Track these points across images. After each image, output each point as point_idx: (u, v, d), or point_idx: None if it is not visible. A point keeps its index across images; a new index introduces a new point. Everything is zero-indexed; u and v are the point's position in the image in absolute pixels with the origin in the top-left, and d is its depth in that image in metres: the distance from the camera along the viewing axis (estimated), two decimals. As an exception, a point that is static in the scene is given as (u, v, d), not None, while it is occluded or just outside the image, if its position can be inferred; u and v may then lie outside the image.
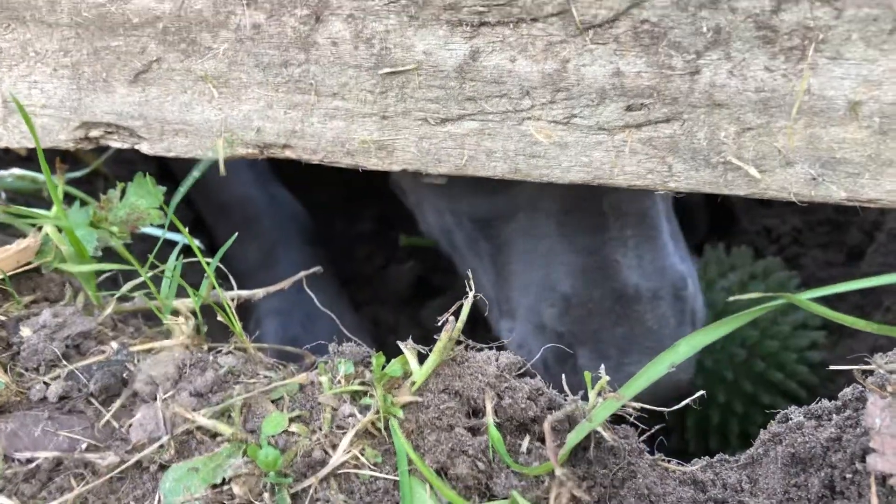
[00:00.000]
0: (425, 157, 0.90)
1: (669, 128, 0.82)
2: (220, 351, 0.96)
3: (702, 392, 0.95)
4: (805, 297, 0.79)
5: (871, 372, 0.89)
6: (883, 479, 0.81)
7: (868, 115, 0.77)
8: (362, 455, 0.82)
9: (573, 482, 0.73)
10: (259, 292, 1.04)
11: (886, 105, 0.76)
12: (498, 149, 0.87)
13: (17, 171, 1.34)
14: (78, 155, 1.69)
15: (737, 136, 0.81)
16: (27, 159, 1.55)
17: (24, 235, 1.22)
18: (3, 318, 0.97)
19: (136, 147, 0.98)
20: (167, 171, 1.84)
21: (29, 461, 0.84)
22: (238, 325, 0.99)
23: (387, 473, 0.81)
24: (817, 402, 0.95)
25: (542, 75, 0.82)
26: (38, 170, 1.35)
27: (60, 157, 1.14)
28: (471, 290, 0.86)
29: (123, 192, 1.08)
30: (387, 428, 0.83)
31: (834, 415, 0.91)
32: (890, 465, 0.78)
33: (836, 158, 0.80)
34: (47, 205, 1.32)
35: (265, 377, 0.91)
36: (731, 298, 0.81)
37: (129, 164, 1.83)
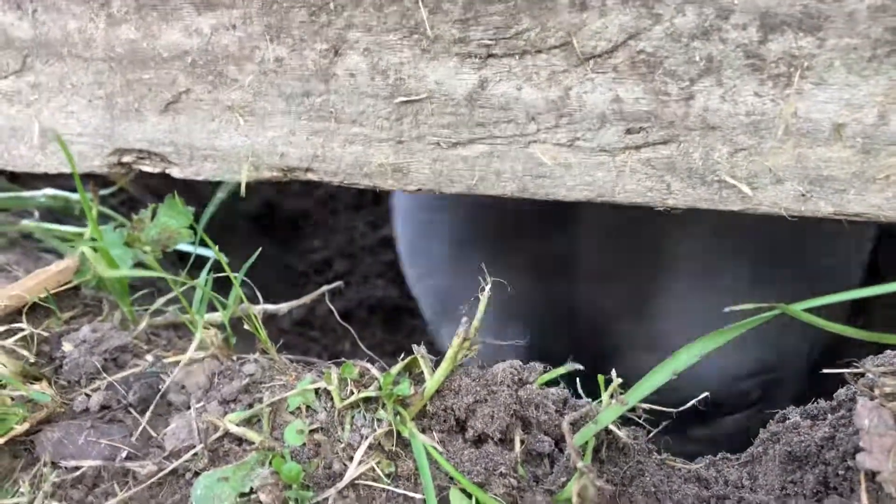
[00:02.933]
0: (438, 178, 0.96)
1: (667, 149, 0.88)
2: (246, 360, 1.03)
3: (706, 393, 1.00)
4: (799, 308, 0.84)
5: (862, 374, 0.94)
6: (872, 476, 0.86)
7: (851, 136, 0.82)
8: (378, 466, 0.87)
9: (594, 474, 0.79)
10: (283, 307, 1.10)
11: (868, 126, 0.81)
12: (507, 170, 0.93)
13: (50, 191, 1.41)
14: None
15: (730, 156, 0.86)
16: (56, 176, 1.62)
17: (56, 251, 1.29)
18: (46, 334, 1.04)
19: (167, 171, 1.05)
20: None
21: (75, 468, 0.91)
22: (264, 333, 1.05)
23: (402, 484, 0.86)
24: (813, 402, 1.01)
25: (546, 102, 0.88)
26: (66, 187, 1.42)
27: (92, 178, 1.21)
28: (487, 284, 0.90)
29: (154, 212, 1.15)
30: (399, 438, 0.88)
31: (829, 414, 0.96)
32: (878, 462, 0.84)
33: (823, 176, 0.85)
34: (77, 221, 1.39)
35: (287, 384, 0.97)
36: (727, 309, 0.86)
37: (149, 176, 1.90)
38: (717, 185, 0.88)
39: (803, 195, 0.86)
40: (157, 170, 1.05)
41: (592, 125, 0.88)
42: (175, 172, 1.03)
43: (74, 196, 1.44)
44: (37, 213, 1.44)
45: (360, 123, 0.95)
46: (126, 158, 1.06)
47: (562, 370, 0.92)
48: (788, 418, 1.00)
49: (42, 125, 1.05)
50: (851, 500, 0.85)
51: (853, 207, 0.86)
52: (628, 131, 0.87)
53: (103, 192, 1.45)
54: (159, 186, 1.79)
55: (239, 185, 1.03)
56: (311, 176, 1.00)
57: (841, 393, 0.99)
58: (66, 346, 1.03)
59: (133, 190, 1.90)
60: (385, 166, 0.96)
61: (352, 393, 0.92)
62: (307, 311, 2.06)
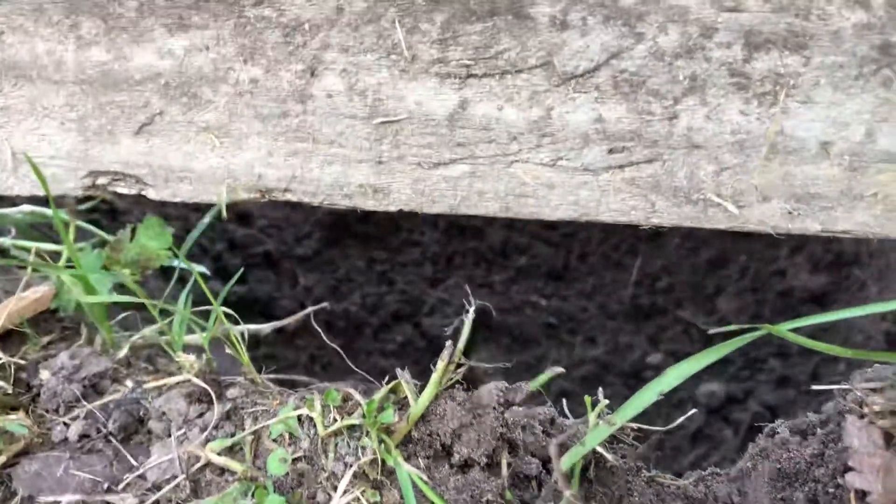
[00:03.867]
0: (420, 198, 0.94)
1: (651, 168, 0.86)
2: (229, 383, 1.01)
3: (695, 410, 1.00)
4: (785, 328, 0.83)
5: (850, 390, 0.93)
6: (863, 495, 0.86)
7: (838, 154, 0.81)
8: (363, 496, 0.85)
9: (581, 503, 0.78)
10: (266, 327, 1.08)
11: (855, 144, 0.80)
12: (489, 190, 0.91)
13: (27, 207, 1.38)
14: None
15: (715, 175, 0.85)
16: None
17: (34, 268, 1.27)
18: (22, 361, 1.02)
19: (143, 193, 1.03)
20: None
21: (54, 503, 0.89)
22: (245, 357, 1.03)
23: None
24: (803, 417, 1.00)
25: (528, 122, 0.87)
26: (45, 203, 1.40)
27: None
28: (470, 306, 0.89)
29: (133, 231, 1.13)
30: (384, 466, 0.87)
31: (818, 429, 0.95)
32: (867, 483, 0.83)
33: (810, 194, 0.84)
34: (57, 236, 1.36)
35: (270, 410, 0.95)
36: (712, 331, 0.85)
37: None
38: (702, 203, 0.87)
39: (790, 213, 0.85)
40: (132, 191, 1.03)
41: (575, 145, 0.86)
42: (151, 194, 1.01)
43: (51, 212, 1.41)
44: (13, 231, 1.41)
45: (338, 144, 0.93)
46: (101, 181, 1.03)
47: (546, 376, 0.91)
48: (777, 433, 0.99)
49: (13, 148, 1.03)
50: (842, 522, 0.84)
51: (841, 225, 0.84)
52: (611, 151, 0.86)
53: (82, 206, 1.42)
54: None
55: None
56: (289, 196, 0.98)
57: (829, 407, 0.98)
58: (44, 374, 1.01)
59: (117, 202, 1.88)
60: (365, 187, 0.94)
61: (335, 420, 0.91)
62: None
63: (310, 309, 1.10)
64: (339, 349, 1.04)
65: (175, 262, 1.11)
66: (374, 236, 2.27)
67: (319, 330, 1.05)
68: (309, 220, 2.25)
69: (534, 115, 0.86)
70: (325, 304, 1.10)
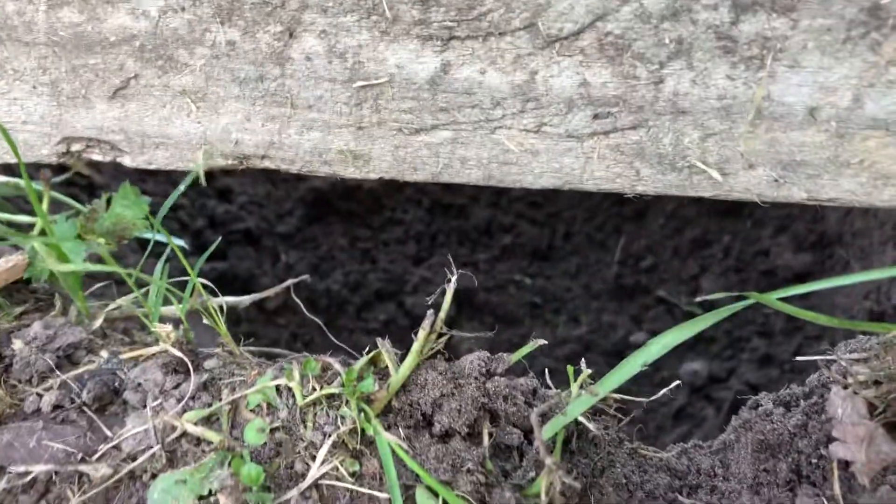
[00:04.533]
0: (401, 165, 0.92)
1: (636, 134, 0.85)
2: (206, 355, 0.99)
3: (678, 382, 0.99)
4: (773, 297, 0.83)
5: (834, 361, 0.93)
6: (846, 465, 0.85)
7: (825, 120, 0.80)
8: (342, 465, 0.84)
9: (563, 470, 0.77)
10: (245, 299, 1.06)
11: (842, 110, 0.79)
12: (472, 157, 0.90)
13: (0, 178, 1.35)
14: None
15: (700, 142, 0.84)
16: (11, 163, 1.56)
17: (6, 240, 1.24)
18: (-4, 329, 1.00)
19: (119, 160, 1.00)
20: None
21: (26, 473, 0.87)
22: (223, 327, 1.01)
23: (366, 483, 0.83)
24: (786, 388, 0.99)
25: (511, 86, 0.85)
26: (19, 173, 1.37)
27: (46, 165, 1.15)
28: (453, 275, 0.88)
29: (109, 201, 1.10)
30: (363, 436, 0.85)
31: (801, 400, 0.95)
32: (851, 452, 0.82)
33: (796, 161, 0.83)
34: (33, 211, 1.33)
35: (248, 381, 0.94)
36: (699, 298, 0.84)
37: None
38: (687, 171, 0.85)
39: (776, 181, 0.84)
40: (107, 158, 1.00)
41: (559, 110, 0.85)
42: (126, 161, 0.98)
43: (21, 185, 1.38)
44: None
45: (317, 109, 0.91)
46: (75, 147, 1.01)
47: (528, 348, 0.89)
48: (761, 405, 0.98)
49: (-16, 112, 1.00)
50: (824, 488, 0.84)
51: (827, 193, 0.83)
52: (596, 116, 0.84)
53: (58, 178, 1.39)
54: (127, 172, 1.73)
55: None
56: (267, 164, 0.97)
57: (813, 379, 0.97)
58: (17, 344, 0.99)
59: (95, 176, 1.85)
60: (345, 153, 0.92)
61: (314, 389, 0.89)
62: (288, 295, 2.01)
63: (290, 281, 1.08)
64: (320, 323, 1.02)
65: (151, 234, 1.09)
66: (356, 214, 2.25)
67: (300, 304, 1.03)
68: (291, 197, 2.22)
69: (518, 79, 0.84)
70: (305, 277, 1.08)
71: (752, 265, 2.12)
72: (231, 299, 1.07)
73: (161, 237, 1.05)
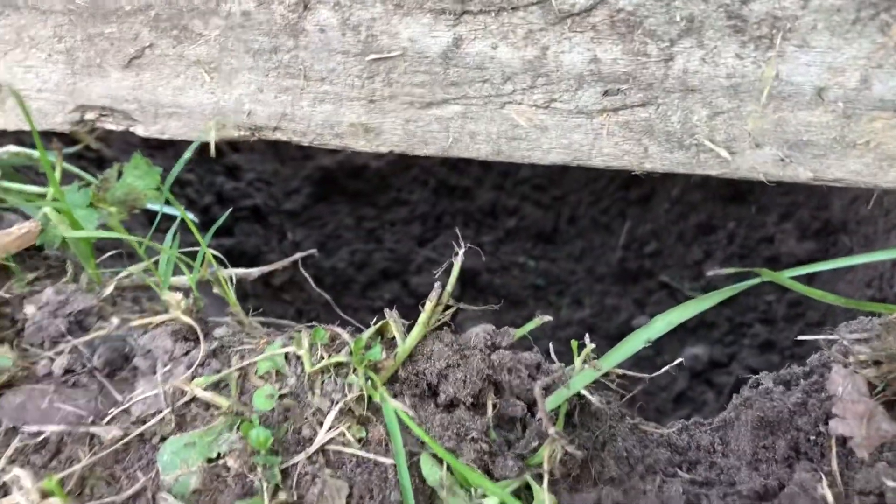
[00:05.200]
0: (412, 139, 0.93)
1: (645, 111, 0.86)
2: (216, 324, 1.01)
3: (680, 360, 1.00)
4: (784, 276, 0.84)
5: (835, 341, 0.94)
6: (843, 442, 0.87)
7: (833, 100, 0.81)
8: (348, 431, 0.86)
9: (565, 440, 0.78)
10: (254, 271, 1.08)
11: (850, 90, 0.80)
12: (481, 131, 0.91)
13: (12, 148, 1.36)
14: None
15: (709, 120, 0.84)
16: (19, 132, 1.57)
17: (19, 212, 1.26)
18: (7, 296, 1.01)
19: (132, 129, 1.01)
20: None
21: (38, 433, 0.89)
22: (233, 297, 1.03)
23: (372, 449, 0.85)
24: (787, 368, 1.01)
25: (522, 62, 0.86)
26: (30, 144, 1.38)
27: (56, 136, 1.16)
28: (460, 248, 0.89)
29: (120, 172, 1.12)
30: (370, 403, 0.87)
31: (801, 380, 0.96)
32: (850, 428, 0.84)
33: (803, 141, 0.83)
34: (45, 179, 1.35)
35: (257, 349, 0.95)
36: (711, 273, 0.85)
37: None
38: (695, 149, 0.86)
39: (782, 160, 0.85)
40: (120, 127, 1.01)
41: (570, 86, 0.86)
42: (139, 130, 0.99)
43: (37, 154, 1.40)
44: None
45: (330, 81, 0.92)
46: (89, 116, 1.02)
47: (533, 324, 0.91)
48: (761, 384, 0.99)
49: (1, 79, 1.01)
50: (822, 464, 0.85)
51: (833, 173, 0.84)
52: (606, 93, 0.85)
53: (69, 150, 1.40)
54: (136, 145, 1.74)
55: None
56: (279, 135, 0.98)
57: (814, 359, 0.99)
58: (29, 309, 1.00)
59: (104, 150, 1.86)
60: (357, 126, 0.93)
61: (322, 358, 0.91)
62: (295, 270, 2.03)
63: (298, 255, 1.09)
64: (328, 298, 1.03)
65: (160, 206, 1.10)
66: (363, 193, 2.26)
67: (308, 277, 1.05)
68: (298, 175, 2.23)
69: (529, 54, 0.85)
70: (313, 251, 1.09)
71: (756, 252, 2.13)
72: (240, 271, 1.08)
73: (172, 210, 1.06)
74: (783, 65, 0.80)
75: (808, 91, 0.81)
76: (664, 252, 2.20)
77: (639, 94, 0.85)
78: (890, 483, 0.78)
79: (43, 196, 1.18)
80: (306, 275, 1.15)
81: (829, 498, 0.79)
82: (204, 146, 1.00)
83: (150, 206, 1.11)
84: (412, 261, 2.20)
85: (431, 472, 0.81)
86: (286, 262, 1.19)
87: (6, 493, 0.83)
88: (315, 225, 2.19)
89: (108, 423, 0.90)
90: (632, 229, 2.22)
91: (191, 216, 1.16)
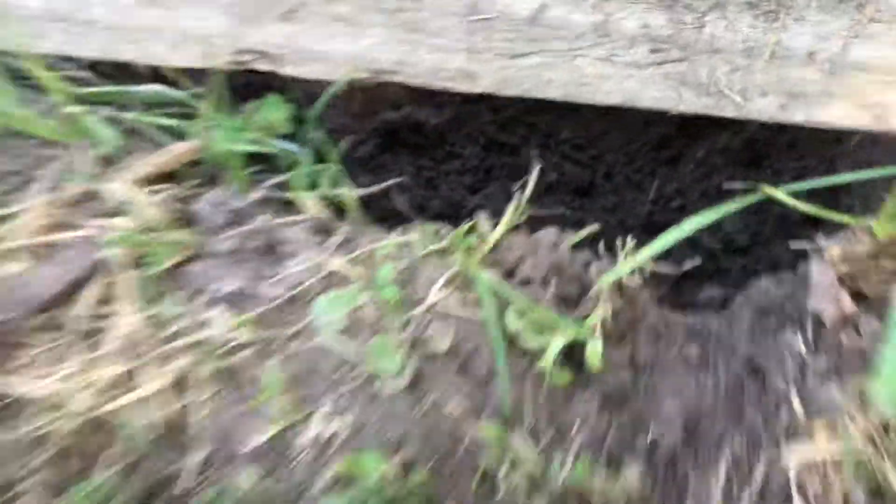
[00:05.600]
0: (500, 83, 1.23)
1: (681, 66, 1.15)
2: (343, 224, 1.31)
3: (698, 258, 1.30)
4: (782, 192, 1.13)
5: (819, 248, 1.23)
6: (818, 320, 1.16)
7: (821, 61, 1.09)
8: (450, 296, 1.16)
9: (612, 299, 1.08)
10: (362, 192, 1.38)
11: (834, 54, 1.08)
12: (556, 78, 1.20)
13: (157, 86, 1.66)
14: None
15: (728, 74, 1.13)
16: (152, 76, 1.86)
17: (157, 141, 1.54)
18: (182, 194, 1.32)
19: (280, 71, 1.31)
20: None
21: (217, 290, 1.19)
22: (353, 205, 1.33)
23: (468, 309, 1.15)
24: (782, 273, 1.30)
25: (590, 24, 1.15)
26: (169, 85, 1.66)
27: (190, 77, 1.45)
28: (537, 163, 1.19)
29: (258, 109, 1.42)
30: (465, 277, 1.17)
31: (792, 279, 1.25)
32: (821, 305, 1.13)
33: (798, 91, 1.12)
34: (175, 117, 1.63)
35: (377, 240, 1.25)
36: (726, 186, 1.15)
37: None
38: (717, 95, 1.15)
39: (782, 106, 1.13)
40: (272, 69, 1.31)
41: (625, 45, 1.15)
42: (289, 70, 1.29)
43: (173, 94, 1.69)
44: (141, 107, 1.68)
45: (441, 36, 1.21)
46: (245, 58, 1.32)
47: (586, 231, 1.21)
48: (761, 284, 1.29)
49: (179, 26, 1.31)
50: (800, 333, 1.14)
51: (820, 117, 1.13)
52: (653, 51, 1.14)
53: (200, 90, 1.70)
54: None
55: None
56: (396, 78, 1.27)
57: (803, 266, 1.28)
58: (197, 205, 1.31)
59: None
60: (458, 71, 1.23)
61: (427, 246, 1.21)
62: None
63: (392, 181, 1.40)
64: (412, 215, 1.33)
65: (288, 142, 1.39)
66: (422, 146, 2.55)
67: (400, 199, 1.35)
68: (365, 129, 2.53)
69: (595, 19, 1.14)
70: (401, 179, 1.41)
71: (769, 211, 2.40)
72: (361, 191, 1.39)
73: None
74: (784, 33, 1.09)
75: (802, 54, 1.10)
76: (688, 207, 2.47)
77: (677, 53, 1.14)
78: (846, 341, 1.07)
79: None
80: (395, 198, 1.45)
81: (803, 349, 1.09)
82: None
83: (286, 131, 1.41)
84: (464, 206, 2.49)
85: (513, 322, 1.11)
86: (375, 188, 1.50)
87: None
88: (380, 172, 2.49)
89: (269, 287, 1.21)
90: (660, 187, 2.50)
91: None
